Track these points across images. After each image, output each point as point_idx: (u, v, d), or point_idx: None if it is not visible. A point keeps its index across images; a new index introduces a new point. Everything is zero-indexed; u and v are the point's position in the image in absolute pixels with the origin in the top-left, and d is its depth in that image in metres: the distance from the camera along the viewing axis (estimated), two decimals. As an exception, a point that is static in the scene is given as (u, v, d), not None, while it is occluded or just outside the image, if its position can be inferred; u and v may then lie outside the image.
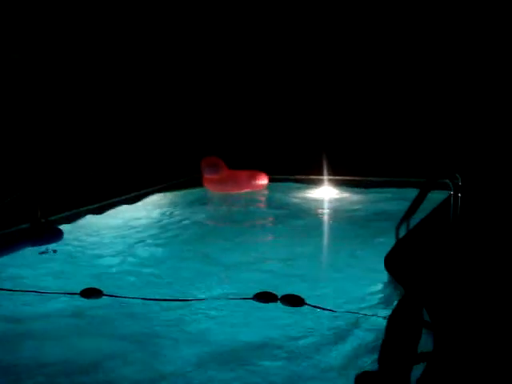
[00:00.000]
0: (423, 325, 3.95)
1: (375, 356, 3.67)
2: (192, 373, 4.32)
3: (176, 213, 9.43)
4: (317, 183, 10.62)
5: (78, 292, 5.78)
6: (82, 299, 5.70)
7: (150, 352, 4.66)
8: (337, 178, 10.57)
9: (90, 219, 8.55)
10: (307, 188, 10.72)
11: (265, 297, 5.48)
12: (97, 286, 5.87)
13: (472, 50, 11.30)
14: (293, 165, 11.12)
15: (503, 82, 11.02)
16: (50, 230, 7.53)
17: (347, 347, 4.57)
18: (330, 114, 12.13)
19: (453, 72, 11.48)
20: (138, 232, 8.18)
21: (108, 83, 11.42)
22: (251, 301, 5.44)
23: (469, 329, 3.98)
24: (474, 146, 10.56)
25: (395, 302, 4.92)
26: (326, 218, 8.94)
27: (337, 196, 10.19)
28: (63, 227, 7.79)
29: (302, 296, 5.45)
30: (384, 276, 5.45)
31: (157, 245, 7.67)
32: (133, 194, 9.78)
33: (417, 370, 3.56)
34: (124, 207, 9.36)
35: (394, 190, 10.04)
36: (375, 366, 3.71)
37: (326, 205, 9.70)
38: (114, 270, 6.65)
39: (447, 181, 5.92)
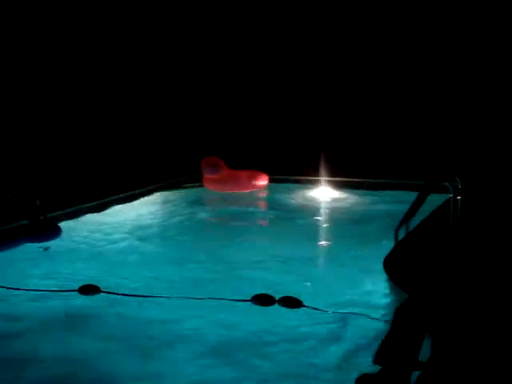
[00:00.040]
0: (425, 329, 3.95)
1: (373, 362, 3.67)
2: (186, 372, 4.32)
3: (175, 212, 9.43)
4: (316, 184, 10.61)
5: (76, 289, 5.80)
6: (80, 296, 5.72)
7: (145, 350, 4.66)
8: (337, 179, 10.57)
9: (89, 216, 8.55)
10: (307, 189, 10.71)
11: (262, 299, 5.48)
12: (95, 283, 5.88)
13: (472, 53, 11.30)
14: (293, 165, 11.11)
15: (503, 84, 11.02)
16: (48, 226, 7.53)
17: (345, 348, 4.57)
18: (331, 115, 12.13)
19: (453, 74, 11.48)
20: (136, 230, 8.17)
21: (108, 81, 11.42)
22: (249, 302, 5.43)
23: (468, 333, 3.97)
24: (474, 149, 10.55)
25: (394, 305, 4.93)
26: (325, 219, 8.94)
27: (336, 197, 10.18)
28: (62, 224, 7.79)
29: (300, 298, 5.45)
30: (383, 278, 5.45)
31: (155, 243, 7.68)
32: (132, 193, 9.78)
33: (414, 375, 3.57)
34: (123, 205, 9.36)
35: (394, 192, 10.03)
36: (375, 369, 3.70)
37: (325, 206, 9.70)
38: (112, 267, 6.64)
39: (447, 184, 5.92)
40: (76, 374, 4.29)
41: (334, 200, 10.04)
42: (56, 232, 7.52)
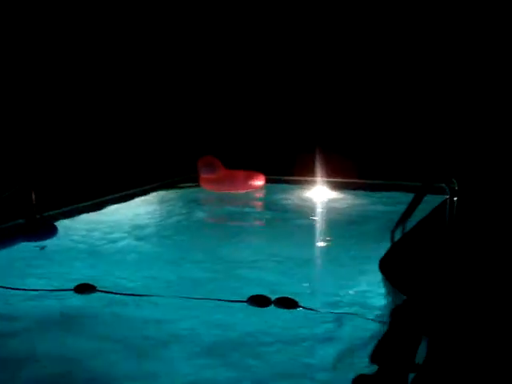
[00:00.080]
0: (422, 330, 3.96)
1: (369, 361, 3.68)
2: (182, 372, 4.33)
3: (172, 212, 9.43)
4: (313, 185, 10.62)
5: (72, 288, 5.80)
6: (76, 295, 5.72)
7: (140, 349, 4.66)
8: (333, 180, 10.57)
9: (85, 216, 8.55)
10: (303, 189, 10.72)
11: (258, 300, 5.48)
12: (91, 282, 5.89)
13: (469, 54, 11.31)
14: (289, 166, 11.11)
15: (500, 86, 11.03)
16: (44, 225, 7.52)
17: (341, 349, 4.57)
18: (328, 116, 12.14)
19: (449, 75, 11.49)
20: (132, 229, 8.17)
21: (105, 81, 11.40)
22: (245, 303, 5.44)
23: (464, 334, 3.98)
24: (470, 150, 10.56)
25: (390, 306, 4.94)
26: (321, 219, 8.95)
27: (333, 198, 10.19)
28: (58, 223, 7.78)
29: (296, 299, 5.45)
30: (379, 279, 5.45)
31: (152, 243, 7.67)
32: (129, 192, 9.78)
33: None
34: (120, 205, 9.36)
35: (390, 193, 10.05)
36: (371, 369, 3.71)
37: (321, 206, 9.70)
38: (108, 266, 6.64)
39: (443, 185, 5.92)
40: (71, 373, 4.29)
41: (331, 201, 10.05)
42: (52, 231, 7.51)
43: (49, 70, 10.39)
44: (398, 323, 3.96)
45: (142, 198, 10.01)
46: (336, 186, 10.56)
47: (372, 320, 5.01)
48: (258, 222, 9.33)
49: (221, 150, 11.28)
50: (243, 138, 12.23)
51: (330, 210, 9.48)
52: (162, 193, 10.57)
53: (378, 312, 5.13)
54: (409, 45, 11.73)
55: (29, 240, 7.25)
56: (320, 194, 10.34)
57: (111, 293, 5.72)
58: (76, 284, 5.86)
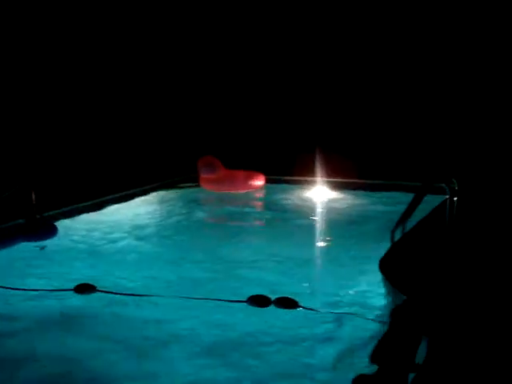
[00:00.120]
0: (422, 331, 3.96)
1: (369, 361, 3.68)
2: (182, 372, 4.33)
3: (172, 212, 9.43)
4: (313, 185, 10.62)
5: (72, 288, 5.80)
6: (76, 295, 5.72)
7: (140, 349, 4.66)
8: (333, 180, 10.57)
9: (85, 216, 8.55)
10: (303, 189, 10.72)
11: (258, 300, 5.48)
12: (91, 282, 5.89)
13: (468, 54, 11.32)
14: (290, 166, 11.11)
15: (500, 86, 11.03)
16: (44, 225, 7.52)
17: (341, 349, 4.57)
18: (328, 116, 12.13)
19: (449, 75, 11.49)
20: (133, 229, 8.17)
21: (106, 81, 11.40)
22: (244, 303, 5.44)
23: (464, 335, 3.98)
24: (471, 150, 10.57)
25: (390, 306, 4.93)
26: (321, 219, 8.95)
27: (333, 198, 10.19)
28: (59, 223, 7.78)
29: (296, 298, 5.45)
30: (379, 279, 5.45)
31: (152, 243, 7.67)
32: (129, 192, 9.78)
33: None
34: (120, 205, 9.36)
35: (390, 193, 10.05)
36: (371, 369, 3.71)
37: (322, 206, 9.70)
38: (108, 266, 6.64)
39: (443, 185, 5.92)
40: (71, 373, 4.29)
41: (331, 201, 10.05)
42: (52, 231, 7.51)
43: (49, 71, 10.39)
44: (398, 323, 3.96)
45: (142, 197, 10.01)
46: (336, 186, 10.56)
47: (372, 320, 5.02)
48: (257, 222, 9.33)
49: (221, 150, 11.28)
50: (243, 137, 12.23)
51: (329, 209, 9.48)
52: (161, 193, 10.57)
53: (377, 312, 5.13)
54: (409, 45, 11.73)
55: (29, 240, 7.25)
56: (320, 194, 10.34)
57: (111, 293, 5.72)
58: (76, 284, 5.86)
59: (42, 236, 7.40)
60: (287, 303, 5.41)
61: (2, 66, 9.59)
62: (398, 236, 5.98)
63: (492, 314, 4.29)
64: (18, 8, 9.78)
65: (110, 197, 9.32)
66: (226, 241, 7.73)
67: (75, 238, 7.64)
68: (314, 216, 9.10)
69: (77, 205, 8.62)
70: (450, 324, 4.11)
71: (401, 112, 11.80)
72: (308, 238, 7.70)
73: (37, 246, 7.20)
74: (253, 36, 12.59)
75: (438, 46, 11.54)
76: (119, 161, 10.76)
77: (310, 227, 8.33)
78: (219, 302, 5.46)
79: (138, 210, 9.32)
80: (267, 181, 10.95)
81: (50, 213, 7.93)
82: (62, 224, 7.90)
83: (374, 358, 3.55)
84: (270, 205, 10.20)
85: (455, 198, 5.78)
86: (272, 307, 5.39)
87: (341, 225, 8.48)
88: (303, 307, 5.35)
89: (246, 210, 9.87)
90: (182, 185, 11.28)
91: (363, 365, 4.05)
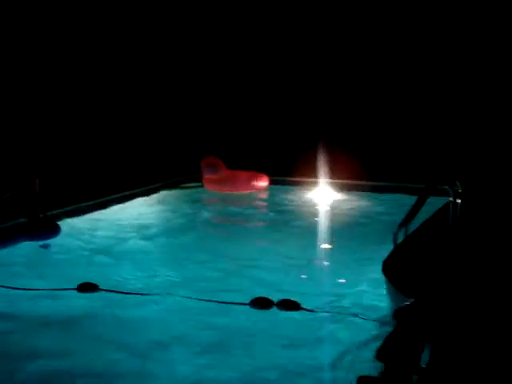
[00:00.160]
0: (427, 334, 3.94)
1: (373, 358, 3.66)
2: (184, 373, 4.33)
3: (174, 212, 9.42)
4: (316, 186, 10.60)
5: (75, 287, 5.80)
6: (79, 294, 5.72)
7: (142, 349, 4.66)
8: (337, 181, 10.56)
9: (88, 215, 8.55)
10: (307, 190, 10.71)
11: (260, 303, 5.48)
12: (93, 281, 5.89)
13: (473, 57, 11.31)
14: (293, 167, 11.10)
15: (504, 87, 11.02)
16: (47, 224, 7.52)
17: (343, 350, 4.57)
18: (332, 117, 12.13)
19: (453, 77, 11.48)
20: (135, 229, 8.18)
21: (109, 81, 11.42)
22: (247, 306, 5.43)
23: (468, 337, 3.97)
24: (474, 152, 10.55)
25: (392, 307, 4.92)
26: (324, 221, 8.94)
27: (336, 199, 10.18)
28: (61, 222, 7.78)
29: (298, 300, 5.45)
30: (382, 281, 5.45)
31: (153, 242, 7.67)
32: (131, 192, 9.77)
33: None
34: (122, 204, 9.36)
35: (393, 195, 10.03)
36: (375, 370, 3.70)
37: (325, 208, 9.69)
38: (110, 265, 6.65)
39: (447, 187, 5.92)
40: (73, 371, 4.29)
41: (334, 202, 10.04)
42: (55, 230, 7.51)
43: (54, 72, 10.41)
44: (405, 324, 3.95)
45: (145, 197, 10.00)
46: (339, 188, 10.55)
47: (374, 321, 5.01)
48: (260, 223, 9.32)
49: (224, 150, 11.27)
50: (246, 138, 12.23)
51: (332, 211, 9.47)
52: (164, 193, 10.57)
53: (380, 313, 5.13)
54: (414, 48, 11.72)
55: (31, 239, 7.25)
56: (323, 196, 10.33)
57: (114, 292, 5.73)
58: (79, 283, 5.86)
59: (45, 235, 7.40)
60: (290, 305, 5.40)
61: (7, 69, 9.61)
62: (400, 238, 5.97)
63: (495, 316, 4.29)
64: (22, 9, 9.80)
65: (113, 196, 9.32)
66: (229, 242, 7.73)
67: (78, 237, 7.65)
68: (316, 217, 9.10)
69: (80, 204, 8.62)
70: (453, 327, 4.11)
71: (405, 114, 11.79)
72: (311, 240, 7.69)
73: (39, 246, 7.21)
74: (255, 36, 12.58)
75: (442, 49, 11.53)
76: (122, 160, 10.76)
77: (313, 228, 8.32)
78: (222, 303, 5.46)
79: (141, 210, 9.32)
80: (270, 181, 10.92)
81: (54, 212, 7.93)
82: (65, 223, 7.90)
83: (379, 355, 3.54)
84: (273, 206, 10.20)
85: (458, 201, 5.78)
86: (274, 309, 5.39)
87: (344, 226, 8.47)
88: (306, 309, 5.34)
89: (249, 210, 9.86)
90: (184, 185, 11.27)
91: (365, 366, 4.04)
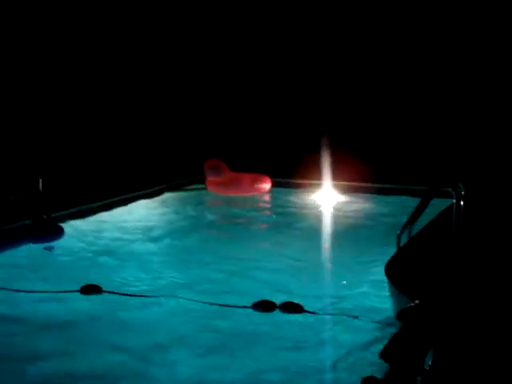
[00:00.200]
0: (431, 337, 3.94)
1: (378, 361, 3.66)
2: (187, 374, 4.33)
3: (177, 214, 9.43)
4: (320, 188, 10.60)
5: (78, 289, 5.81)
6: (82, 296, 5.73)
7: (145, 350, 4.67)
8: (340, 183, 10.55)
9: (91, 217, 8.57)
10: (310, 192, 10.70)
11: (263, 305, 5.47)
12: (97, 283, 5.90)
13: (475, 57, 11.30)
14: (296, 169, 11.10)
15: (507, 90, 11.01)
16: (50, 227, 7.53)
17: (346, 352, 4.57)
18: (335, 119, 12.13)
19: (456, 79, 11.48)
20: (138, 231, 8.19)
21: (114, 84, 11.45)
22: (250, 309, 5.43)
23: (471, 339, 3.97)
24: (477, 154, 10.55)
25: (395, 309, 4.92)
26: (328, 223, 8.94)
27: (339, 202, 10.17)
28: (65, 224, 7.79)
29: (301, 303, 5.45)
30: (385, 283, 5.45)
31: (156, 244, 7.68)
32: (135, 194, 9.79)
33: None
34: (126, 207, 9.38)
35: (397, 197, 10.03)
36: (379, 372, 3.70)
37: (328, 210, 9.69)
38: (114, 267, 6.66)
39: (450, 189, 5.91)
40: (76, 374, 4.30)
41: (337, 204, 10.04)
42: (58, 233, 7.52)
43: (58, 75, 10.44)
44: (409, 325, 3.95)
45: (149, 199, 10.01)
46: (342, 190, 10.54)
47: (377, 324, 5.01)
48: (264, 226, 9.32)
49: (227, 152, 11.28)
50: (250, 140, 12.24)
51: (336, 213, 9.47)
52: (168, 195, 10.58)
53: (383, 316, 5.13)
54: (418, 51, 11.72)
55: (35, 242, 7.26)
56: (326, 198, 10.33)
57: (117, 294, 5.74)
58: (82, 285, 5.87)
59: (49, 237, 7.41)
60: (293, 308, 5.40)
61: (13, 69, 9.64)
62: (404, 240, 5.97)
63: (499, 318, 4.28)
64: (20, 9, 9.83)
65: (117, 199, 9.33)
66: (232, 244, 7.74)
67: (82, 239, 7.66)
68: (320, 219, 9.10)
69: (84, 206, 8.64)
70: (456, 329, 4.11)
71: (408, 116, 11.79)
72: (314, 242, 7.69)
73: (43, 248, 7.22)
74: (258, 38, 12.59)
75: (444, 51, 11.53)
76: (126, 162, 10.78)
77: (316, 231, 8.32)
78: (225, 306, 5.46)
79: (145, 212, 9.33)
80: (274, 184, 10.92)
81: (57, 214, 7.95)
82: (69, 225, 7.92)
83: (384, 355, 3.54)
84: (276, 208, 10.19)
85: (461, 203, 5.77)
86: (277, 312, 5.39)
87: (347, 228, 8.47)
88: (309, 311, 5.34)
89: (252, 213, 9.87)
90: (188, 187, 11.28)
91: (369, 368, 4.05)
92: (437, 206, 6.76)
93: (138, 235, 7.98)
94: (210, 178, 10.86)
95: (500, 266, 5.40)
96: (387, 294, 5.38)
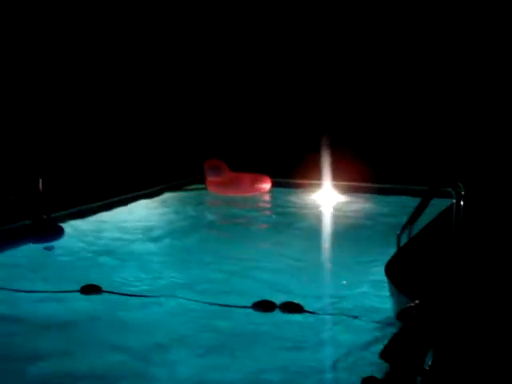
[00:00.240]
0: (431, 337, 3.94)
1: (378, 361, 3.66)
2: (186, 374, 4.33)
3: (177, 214, 9.43)
4: (320, 188, 10.60)
5: (78, 289, 5.81)
6: (82, 296, 5.73)
7: (145, 350, 4.67)
8: (340, 183, 10.55)
9: (91, 217, 8.57)
10: (310, 192, 10.70)
11: (263, 305, 5.47)
12: (97, 283, 5.91)
13: (475, 59, 11.30)
14: (297, 169, 11.10)
15: (506, 89, 11.02)
16: (50, 227, 7.53)
17: (346, 352, 4.57)
18: (335, 119, 12.13)
19: (455, 79, 11.48)
20: (138, 231, 8.19)
21: (114, 85, 11.45)
22: (250, 309, 5.43)
23: (471, 339, 3.97)
24: (477, 154, 10.55)
25: (395, 309, 4.92)
26: (328, 223, 8.94)
27: (339, 201, 10.17)
28: (65, 224, 7.79)
29: (301, 303, 5.45)
30: (385, 283, 5.45)
31: (156, 245, 7.68)
32: (135, 194, 9.79)
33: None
34: (126, 207, 9.38)
35: (397, 197, 10.02)
36: (379, 372, 3.70)
37: (328, 210, 9.68)
38: (114, 267, 6.66)
39: (450, 189, 5.91)
40: (75, 374, 4.30)
41: (337, 204, 10.03)
42: (59, 232, 7.52)
43: (58, 72, 10.44)
44: (410, 324, 3.95)
45: (149, 199, 10.01)
46: (342, 190, 10.54)
47: (377, 323, 5.01)
48: (264, 226, 9.31)
49: (227, 152, 11.28)
50: (250, 140, 12.24)
51: (336, 213, 9.47)
52: (168, 195, 10.58)
53: (383, 316, 5.13)
54: (415, 50, 11.72)
55: (35, 242, 7.25)
56: (326, 198, 10.32)
57: (117, 294, 5.74)
58: (82, 285, 5.87)
59: (49, 237, 7.41)
60: (292, 308, 5.40)
61: (13, 68, 9.64)
62: (404, 240, 5.97)
63: (499, 318, 4.28)
64: (20, 9, 9.83)
65: (117, 199, 9.33)
66: (232, 244, 7.74)
67: (82, 239, 7.66)
68: (320, 219, 9.09)
69: (84, 206, 8.65)
70: (455, 329, 4.11)
71: (407, 116, 11.79)
72: (314, 242, 7.69)
73: (43, 248, 7.22)
74: (257, 38, 12.59)
75: (443, 50, 11.53)
76: (126, 162, 10.79)
77: (316, 231, 8.32)
78: (225, 306, 5.46)
79: (145, 212, 9.33)
80: (274, 184, 10.92)
81: (57, 214, 7.95)
82: (69, 225, 7.92)
83: (384, 355, 3.54)
84: (276, 208, 10.19)
85: (461, 203, 5.77)
86: (277, 312, 5.39)
87: (347, 228, 8.47)
88: (308, 311, 5.34)
89: (252, 213, 9.86)
90: (188, 187, 11.28)
91: (368, 368, 4.05)
92: (437, 206, 6.76)
93: (137, 235, 7.98)
94: (210, 178, 10.85)
95: (500, 265, 5.40)
96: (387, 293, 5.38)
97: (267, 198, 10.84)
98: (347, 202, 10.14)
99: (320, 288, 6.10)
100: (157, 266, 6.75)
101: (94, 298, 5.73)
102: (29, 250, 7.08)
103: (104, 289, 5.84)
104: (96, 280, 6.00)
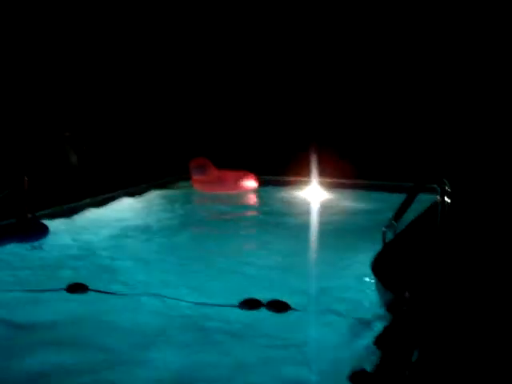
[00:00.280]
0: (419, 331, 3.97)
1: (366, 356, 3.69)
2: (174, 374, 4.32)
3: (163, 212, 9.41)
4: (306, 185, 10.61)
5: (64, 288, 5.79)
6: (68, 294, 5.71)
7: (129, 349, 4.65)
8: (326, 180, 10.56)
9: (76, 216, 8.52)
10: (296, 190, 10.72)
11: (250, 304, 5.47)
12: (82, 282, 5.88)
13: (460, 54, 11.36)
14: (282, 166, 11.11)
15: (493, 85, 11.08)
16: (35, 225, 7.48)
17: (333, 350, 4.57)
18: (322, 117, 12.15)
19: (441, 75, 11.54)
20: (123, 229, 8.15)
21: (102, 84, 11.42)
22: (236, 308, 5.42)
23: (457, 334, 3.99)
24: (462, 151, 10.61)
25: (381, 306, 4.94)
26: (314, 220, 8.92)
27: (325, 198, 10.19)
28: (49, 223, 7.75)
29: (287, 301, 5.45)
30: (371, 279, 5.47)
31: (141, 243, 7.66)
32: (120, 192, 9.76)
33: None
34: (111, 205, 9.33)
35: (382, 193, 10.06)
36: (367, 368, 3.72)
37: (314, 207, 9.69)
38: (99, 266, 6.64)
39: (435, 186, 5.95)
40: (61, 372, 4.28)
41: (323, 201, 10.05)
42: (43, 231, 7.47)
43: (47, 74, 10.40)
44: (401, 316, 3.98)
45: (134, 197, 9.97)
46: (328, 186, 10.56)
47: (364, 320, 5.02)
48: (250, 223, 9.32)
49: (213, 151, 11.28)
50: (236, 138, 12.23)
51: (321, 210, 9.47)
52: (154, 193, 10.55)
53: (370, 312, 5.13)
54: (405, 47, 11.76)
55: (20, 241, 7.20)
56: (312, 194, 10.34)
57: (103, 292, 5.72)
58: (68, 284, 5.84)
59: (33, 236, 7.36)
60: (279, 306, 5.40)
61: (4, 70, 9.60)
62: (389, 237, 5.99)
63: (485, 313, 4.31)
64: (20, 9, 9.79)
65: (102, 196, 9.29)
66: (219, 242, 7.74)
67: (67, 237, 7.61)
68: (306, 216, 9.09)
69: (69, 204, 8.60)
70: (441, 324, 4.13)
71: (394, 113, 11.83)
72: (300, 239, 7.69)
73: (27, 247, 7.17)
74: (246, 38, 12.59)
75: (433, 49, 11.58)
76: (112, 160, 10.75)
77: (303, 228, 8.32)
78: (211, 305, 5.45)
79: (130, 210, 9.30)
80: (259, 181, 10.92)
81: (42, 212, 7.90)
82: (54, 223, 7.87)
83: (378, 342, 3.57)
84: (262, 205, 10.21)
85: (447, 199, 5.80)
86: (264, 310, 5.38)
87: (333, 225, 8.47)
88: (295, 309, 5.34)
89: (238, 211, 9.87)
90: (174, 185, 11.26)
91: (357, 363, 4.06)
92: (422, 201, 6.79)
93: (123, 233, 7.95)
94: (195, 177, 10.87)
95: (485, 261, 5.43)
96: (373, 290, 5.40)
97: (253, 195, 10.85)
98: (333, 199, 10.16)
99: (306, 285, 6.09)
100: (143, 264, 6.73)
101: (79, 296, 5.70)
102: (13, 249, 7.03)
103: (90, 287, 5.81)
104: (82, 279, 5.97)
